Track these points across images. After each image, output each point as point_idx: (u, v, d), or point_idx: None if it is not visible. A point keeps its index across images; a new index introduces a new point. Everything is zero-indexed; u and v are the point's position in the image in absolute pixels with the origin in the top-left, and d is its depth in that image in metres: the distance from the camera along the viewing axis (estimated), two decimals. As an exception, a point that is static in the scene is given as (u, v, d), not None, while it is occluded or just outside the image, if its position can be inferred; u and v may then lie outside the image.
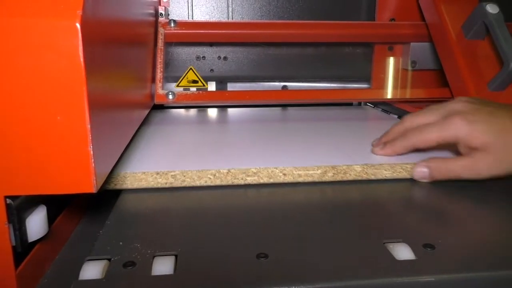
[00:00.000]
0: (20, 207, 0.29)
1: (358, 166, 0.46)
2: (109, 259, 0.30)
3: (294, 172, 0.45)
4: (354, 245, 0.33)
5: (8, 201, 0.28)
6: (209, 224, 0.36)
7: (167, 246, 0.32)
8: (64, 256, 0.33)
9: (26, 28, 0.25)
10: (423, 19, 0.73)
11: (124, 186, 0.43)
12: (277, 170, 0.45)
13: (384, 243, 0.33)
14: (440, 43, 0.68)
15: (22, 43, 0.26)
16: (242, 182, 0.44)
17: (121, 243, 0.32)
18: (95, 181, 0.28)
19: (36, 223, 0.31)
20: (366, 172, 0.46)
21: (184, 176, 0.44)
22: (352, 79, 0.84)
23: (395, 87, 0.80)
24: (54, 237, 0.34)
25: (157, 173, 0.44)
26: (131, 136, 0.48)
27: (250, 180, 0.44)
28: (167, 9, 0.74)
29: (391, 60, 0.81)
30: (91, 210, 0.41)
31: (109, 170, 0.33)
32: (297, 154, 0.51)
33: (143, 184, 0.43)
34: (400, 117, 0.72)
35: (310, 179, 0.45)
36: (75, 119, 0.27)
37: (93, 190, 0.28)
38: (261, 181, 0.44)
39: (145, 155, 0.50)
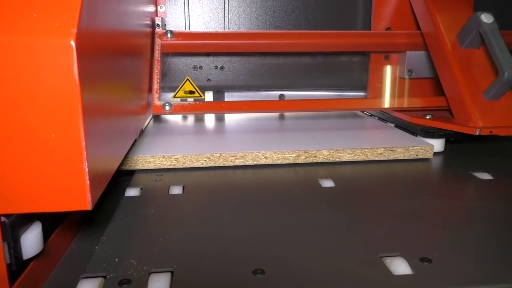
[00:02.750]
0: (14, 225, 0.29)
1: (326, 150, 0.56)
2: (104, 277, 0.30)
3: (274, 155, 0.56)
4: (351, 257, 0.32)
5: (3, 219, 0.28)
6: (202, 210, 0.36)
7: (162, 263, 0.32)
8: (60, 273, 0.33)
9: (21, 46, 0.25)
10: (418, 28, 0.73)
11: (137, 167, 0.54)
12: (259, 154, 0.56)
13: (380, 257, 0.33)
14: (435, 52, 0.68)
15: (16, 61, 0.26)
16: (231, 164, 0.55)
17: (116, 259, 0.32)
18: (90, 198, 0.28)
19: (31, 240, 0.31)
20: (332, 156, 0.57)
21: (185, 158, 0.54)
22: (349, 88, 0.85)
23: (391, 95, 0.81)
24: (49, 253, 0.33)
25: (163, 156, 0.54)
26: (128, 148, 0.48)
27: (238, 162, 0.55)
28: (164, 19, 0.74)
29: (388, 69, 0.82)
30: (87, 225, 0.41)
31: (105, 185, 0.33)
32: (276, 141, 0.61)
33: (152, 166, 0.54)
34: (397, 126, 0.72)
35: (286, 161, 0.56)
36: (70, 136, 0.27)
37: (89, 207, 0.28)
38: (247, 163, 0.56)
39: (153, 142, 0.60)
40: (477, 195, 0.47)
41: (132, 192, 0.46)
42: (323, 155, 0.57)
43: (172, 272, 0.30)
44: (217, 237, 0.36)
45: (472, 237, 0.37)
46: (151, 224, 0.39)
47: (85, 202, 0.28)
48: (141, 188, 0.47)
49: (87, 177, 0.28)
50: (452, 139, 0.63)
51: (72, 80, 0.26)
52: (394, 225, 0.39)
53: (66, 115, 0.27)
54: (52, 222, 0.36)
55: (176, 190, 0.47)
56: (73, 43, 0.26)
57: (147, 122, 0.73)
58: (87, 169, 0.28)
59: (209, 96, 0.82)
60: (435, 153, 0.61)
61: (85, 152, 0.27)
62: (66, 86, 0.26)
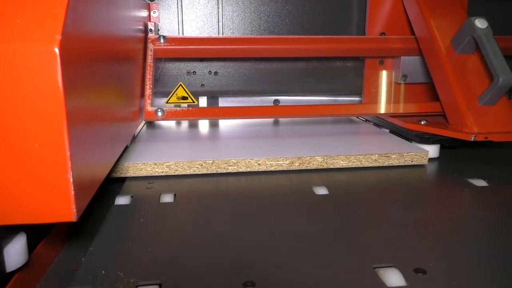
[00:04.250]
0: (-3, 237, 0.28)
1: (320, 157, 0.56)
2: (90, 290, 0.29)
3: (267, 162, 0.55)
4: (344, 267, 0.32)
5: (-16, 231, 0.27)
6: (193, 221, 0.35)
7: (150, 274, 0.31)
8: (45, 286, 0.32)
9: (2, 53, 0.25)
10: (413, 33, 0.73)
11: (128, 175, 0.53)
12: (253, 161, 0.55)
13: (374, 267, 0.32)
14: (430, 57, 0.68)
15: (-2, 69, 0.25)
16: (224, 171, 0.54)
17: (103, 271, 0.31)
18: (75, 209, 0.27)
19: (15, 252, 0.30)
20: (326, 162, 0.56)
21: (177, 166, 0.53)
22: (344, 93, 0.84)
23: (386, 101, 0.80)
24: (35, 265, 0.33)
25: (155, 164, 0.53)
26: (118, 155, 0.47)
27: (231, 169, 0.54)
28: (157, 25, 0.73)
29: (382, 74, 0.81)
30: (75, 235, 0.40)
31: (92, 195, 0.32)
32: (270, 148, 0.60)
33: (143, 173, 0.53)
34: (392, 131, 0.72)
35: (280, 168, 0.55)
36: (53, 146, 0.26)
37: (73, 218, 0.27)
38: (240, 170, 0.55)
39: (145, 149, 0.59)
40: (473, 202, 0.46)
41: (122, 200, 0.45)
42: (317, 162, 0.56)
43: (160, 285, 0.30)
44: (208, 248, 0.35)
45: (467, 247, 0.36)
46: (140, 234, 0.38)
47: (69, 213, 0.27)
48: (132, 196, 0.47)
49: (72, 188, 0.27)
50: (447, 145, 0.62)
51: (56, 87, 0.25)
52: (389, 234, 0.38)
53: (50, 123, 0.26)
54: (37, 233, 0.35)
55: (168, 198, 0.46)
56: (57, 50, 0.25)
57: (139, 128, 0.72)
58: (71, 179, 0.27)
59: (203, 101, 0.82)
60: (430, 159, 0.61)
61: (70, 162, 0.27)
62: (49, 93, 0.25)
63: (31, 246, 0.33)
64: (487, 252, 0.35)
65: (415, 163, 0.59)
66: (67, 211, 0.27)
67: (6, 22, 0.25)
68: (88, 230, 0.39)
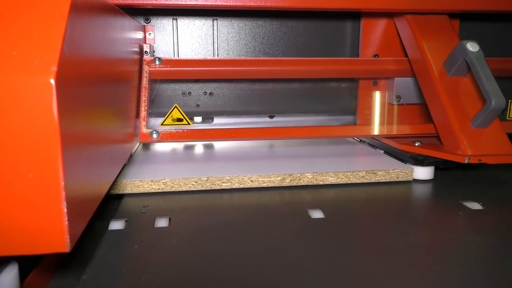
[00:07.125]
0: (-12, 268, 0.28)
1: (309, 174, 0.57)
2: (82, 322, 0.29)
3: (259, 179, 0.57)
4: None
5: (-24, 262, 0.27)
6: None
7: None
8: (36, 317, 0.32)
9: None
10: (406, 54, 0.74)
11: (125, 191, 0.55)
12: (246, 178, 0.56)
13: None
14: (423, 79, 0.69)
15: (-7, 100, 0.25)
16: (218, 187, 0.56)
17: (96, 302, 0.31)
18: (68, 239, 0.27)
19: (7, 283, 0.30)
20: (316, 179, 0.57)
21: (173, 182, 0.55)
22: (338, 113, 0.85)
23: (380, 122, 0.81)
24: (26, 295, 0.32)
25: (152, 181, 0.55)
26: (113, 180, 0.47)
27: (224, 185, 0.56)
28: (153, 46, 0.74)
29: (376, 95, 0.82)
30: (67, 262, 0.39)
31: (85, 225, 0.32)
32: (263, 165, 0.62)
33: (140, 190, 0.55)
34: (386, 152, 0.72)
35: (272, 185, 0.57)
36: (48, 176, 0.26)
37: (67, 249, 0.27)
38: (234, 186, 0.57)
39: (142, 167, 0.61)
40: (467, 227, 0.46)
41: (116, 225, 0.45)
42: (307, 178, 0.58)
43: (154, 316, 0.29)
44: (201, 275, 0.35)
45: (462, 277, 0.36)
46: (134, 262, 0.37)
47: (63, 244, 0.27)
48: (126, 221, 0.46)
49: (66, 218, 0.27)
50: (442, 167, 0.63)
51: (51, 119, 0.25)
52: (384, 262, 0.38)
53: (45, 154, 0.26)
54: (29, 260, 0.35)
55: (162, 222, 0.46)
56: (52, 81, 0.25)
57: (135, 148, 0.72)
58: (65, 209, 0.27)
59: (198, 120, 0.81)
60: (425, 181, 0.61)
61: (64, 192, 0.26)
62: (44, 125, 0.25)
63: (22, 274, 0.32)
64: (482, 282, 0.35)
65: (401, 179, 0.60)
66: (60, 242, 0.27)
67: (2, 53, 0.26)
68: (81, 257, 0.39)
